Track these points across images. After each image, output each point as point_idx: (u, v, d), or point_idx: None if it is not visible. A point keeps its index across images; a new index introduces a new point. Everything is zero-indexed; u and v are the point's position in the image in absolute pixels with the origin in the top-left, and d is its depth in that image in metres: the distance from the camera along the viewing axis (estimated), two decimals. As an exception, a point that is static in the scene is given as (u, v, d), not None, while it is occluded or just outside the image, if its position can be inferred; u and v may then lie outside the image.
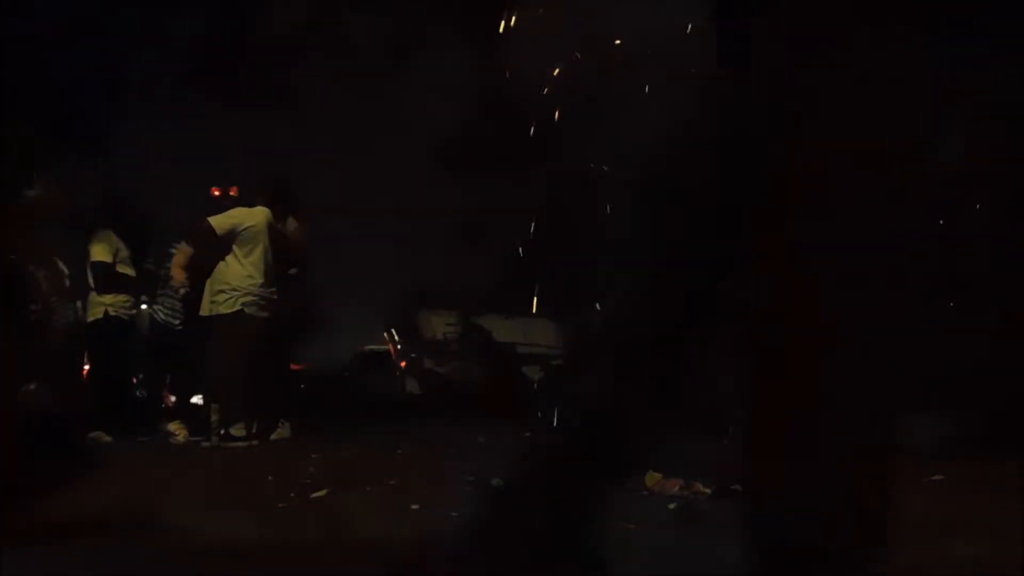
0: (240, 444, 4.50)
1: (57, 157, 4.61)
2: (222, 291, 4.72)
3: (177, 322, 5.47)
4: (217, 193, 5.34)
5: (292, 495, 2.90)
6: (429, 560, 1.65)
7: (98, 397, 5.10)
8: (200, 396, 5.58)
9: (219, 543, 2.18)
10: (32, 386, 4.85)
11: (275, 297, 4.82)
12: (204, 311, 4.79)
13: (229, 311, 4.68)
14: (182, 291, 5.03)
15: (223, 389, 4.67)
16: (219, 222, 4.82)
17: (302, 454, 3.88)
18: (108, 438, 4.78)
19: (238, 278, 4.71)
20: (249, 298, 4.70)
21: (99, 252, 5.20)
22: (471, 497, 2.53)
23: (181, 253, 5.04)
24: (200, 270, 4.92)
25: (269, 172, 5.45)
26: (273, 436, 4.71)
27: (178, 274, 5.01)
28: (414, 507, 2.66)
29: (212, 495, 2.92)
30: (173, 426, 4.98)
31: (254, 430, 4.64)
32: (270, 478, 3.28)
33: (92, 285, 5.22)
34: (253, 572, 1.98)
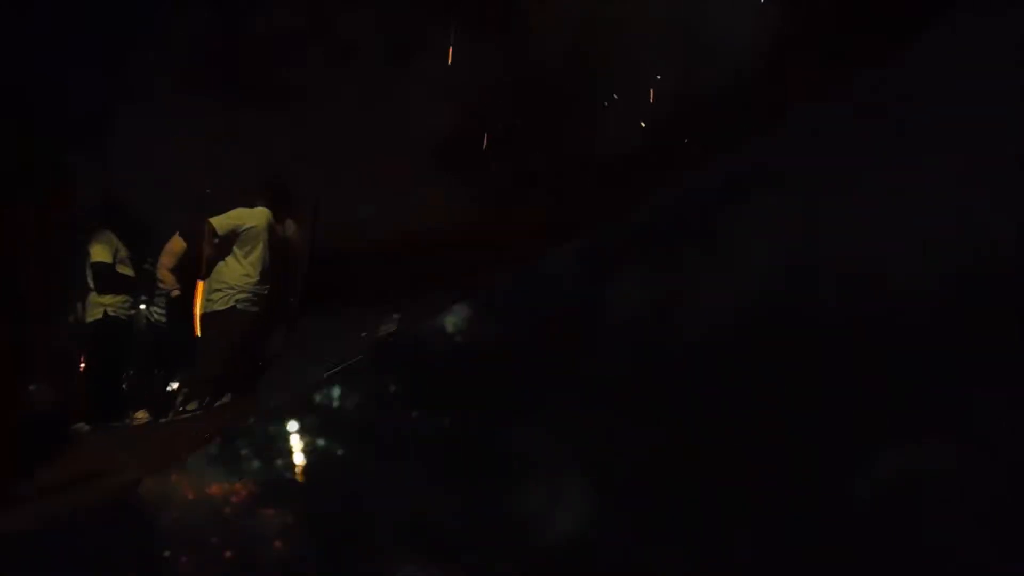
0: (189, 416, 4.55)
1: (57, 157, 4.61)
2: (219, 290, 4.75)
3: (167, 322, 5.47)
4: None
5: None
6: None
7: (92, 395, 5.10)
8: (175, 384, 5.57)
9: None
10: (32, 386, 4.87)
11: (266, 292, 4.83)
12: (200, 309, 4.81)
13: (223, 308, 4.72)
14: (173, 293, 5.01)
15: (203, 379, 4.71)
16: (220, 223, 4.84)
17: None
18: (87, 427, 4.81)
19: (236, 277, 4.75)
20: (243, 295, 4.74)
21: (99, 252, 5.19)
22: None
23: (167, 255, 5.00)
24: (189, 271, 4.92)
25: (269, 173, 5.44)
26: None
27: (166, 276, 5.00)
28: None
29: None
30: (139, 414, 5.00)
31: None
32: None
33: (92, 285, 5.22)
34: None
